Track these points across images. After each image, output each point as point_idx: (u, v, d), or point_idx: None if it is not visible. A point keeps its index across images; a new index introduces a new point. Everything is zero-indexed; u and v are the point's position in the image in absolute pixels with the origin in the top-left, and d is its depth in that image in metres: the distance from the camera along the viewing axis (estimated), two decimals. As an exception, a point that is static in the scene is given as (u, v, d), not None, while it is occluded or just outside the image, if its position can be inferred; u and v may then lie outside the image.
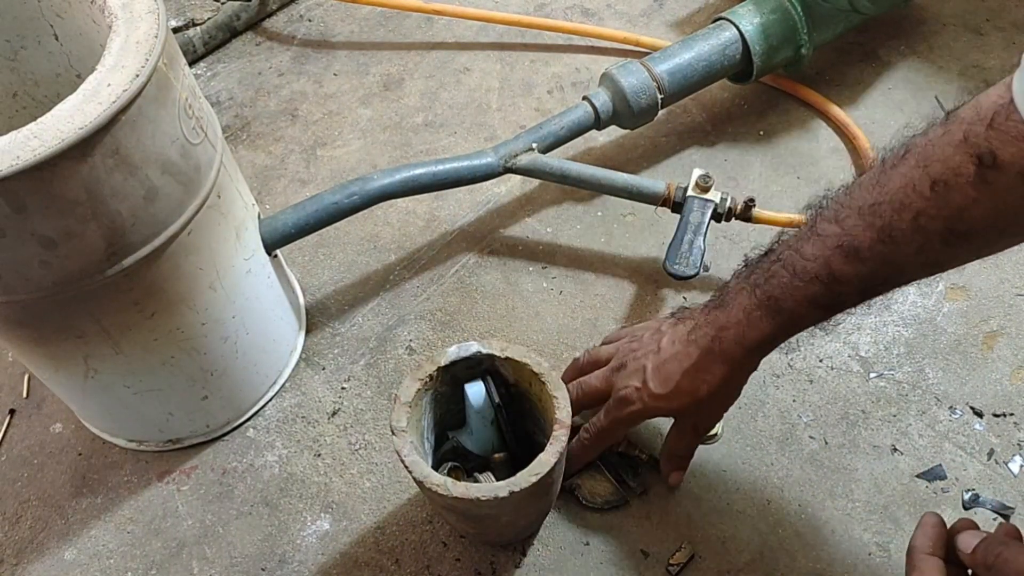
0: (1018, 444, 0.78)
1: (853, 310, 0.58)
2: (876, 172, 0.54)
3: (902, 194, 0.50)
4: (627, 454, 0.77)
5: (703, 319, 0.65)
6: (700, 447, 0.79)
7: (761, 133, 1.07)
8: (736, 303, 0.62)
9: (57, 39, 0.72)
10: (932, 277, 0.89)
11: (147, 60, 0.58)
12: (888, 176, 0.52)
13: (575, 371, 0.76)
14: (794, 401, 0.82)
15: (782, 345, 0.84)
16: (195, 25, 1.21)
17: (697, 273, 0.82)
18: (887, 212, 0.51)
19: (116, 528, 0.79)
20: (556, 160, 0.92)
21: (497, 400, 0.70)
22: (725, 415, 0.72)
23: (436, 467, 0.72)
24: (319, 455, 0.82)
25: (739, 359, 0.63)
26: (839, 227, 0.54)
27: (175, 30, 1.18)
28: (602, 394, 0.71)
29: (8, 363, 0.92)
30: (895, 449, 0.78)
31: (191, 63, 1.23)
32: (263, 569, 0.75)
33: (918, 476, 0.77)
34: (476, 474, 0.73)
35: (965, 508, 0.74)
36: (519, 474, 0.60)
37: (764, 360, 0.84)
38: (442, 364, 0.67)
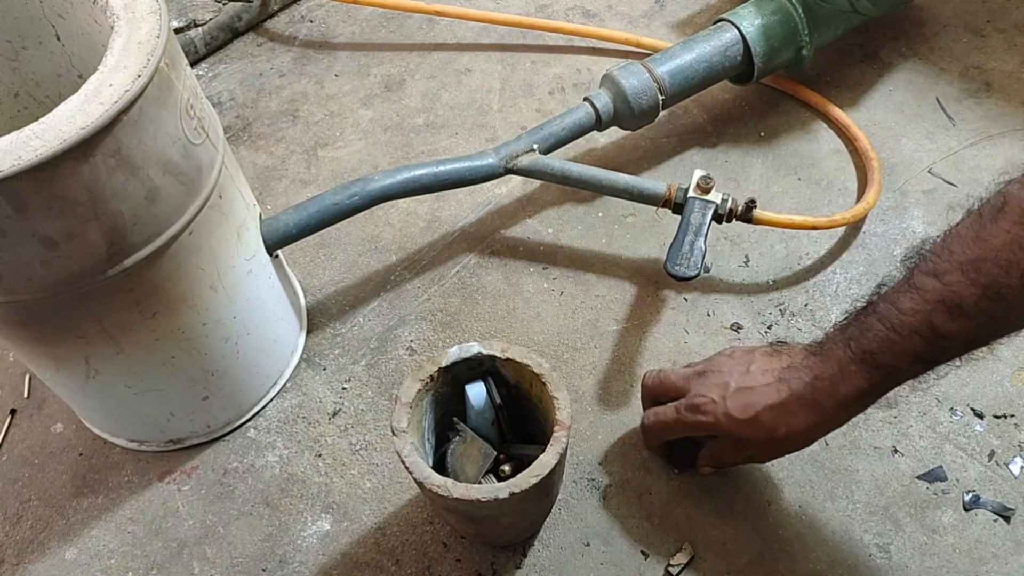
0: (1019, 445, 0.78)
1: (956, 362, 0.56)
2: (974, 223, 0.52)
3: (1008, 252, 0.49)
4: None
5: (799, 360, 0.63)
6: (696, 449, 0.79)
7: (762, 134, 1.07)
8: (832, 354, 0.60)
9: (59, 39, 0.72)
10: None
11: (149, 60, 0.58)
12: (989, 231, 0.51)
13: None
14: (795, 402, 0.82)
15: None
16: (197, 26, 1.21)
17: (698, 274, 0.82)
18: (992, 270, 0.50)
19: (117, 528, 0.79)
20: (557, 161, 0.92)
21: (498, 401, 0.70)
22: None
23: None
24: (320, 455, 0.82)
25: (829, 412, 0.61)
26: (939, 282, 0.53)
27: (177, 31, 1.19)
28: (679, 392, 0.71)
29: (9, 363, 0.92)
30: (896, 450, 0.78)
31: (193, 64, 1.23)
32: (264, 569, 0.75)
33: (919, 477, 0.77)
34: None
35: (966, 509, 0.74)
36: (520, 475, 0.60)
37: (765, 361, 0.85)
38: (443, 365, 0.67)
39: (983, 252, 0.51)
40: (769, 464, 0.78)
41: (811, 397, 0.61)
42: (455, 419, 0.71)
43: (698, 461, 0.74)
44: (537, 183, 1.03)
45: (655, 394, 0.74)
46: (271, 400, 0.86)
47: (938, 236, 0.56)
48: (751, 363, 0.66)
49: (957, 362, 0.56)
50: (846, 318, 0.62)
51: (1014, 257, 0.49)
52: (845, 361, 0.59)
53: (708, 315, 0.89)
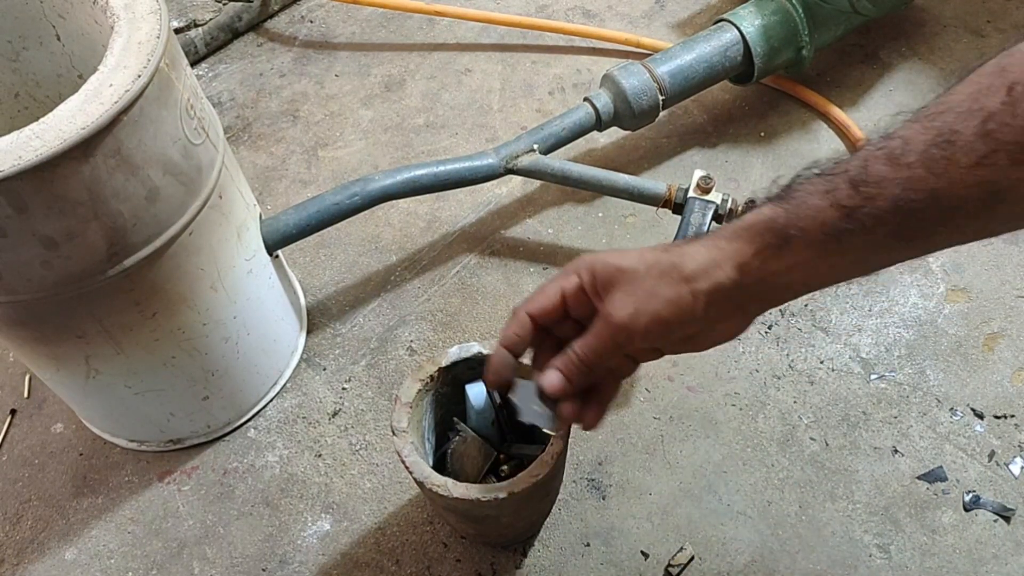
0: (1019, 446, 0.78)
1: (862, 279, 0.47)
2: (943, 91, 0.45)
3: (971, 100, 0.42)
4: None
5: None
6: (696, 450, 0.79)
7: (762, 134, 1.07)
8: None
9: (59, 40, 0.72)
10: (932, 280, 0.89)
11: (149, 61, 0.58)
12: (954, 88, 0.44)
13: None
14: (795, 402, 0.82)
15: (782, 345, 0.83)
16: (197, 26, 1.21)
17: (698, 274, 0.82)
18: (950, 117, 0.42)
19: (117, 528, 0.79)
20: (557, 161, 0.92)
21: (498, 401, 0.70)
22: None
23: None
24: (320, 455, 0.82)
25: (722, 244, 0.47)
26: (888, 137, 0.44)
27: (177, 31, 1.19)
28: None
29: (9, 363, 0.92)
30: (896, 451, 0.78)
31: (193, 64, 1.23)
32: (264, 569, 0.75)
33: (919, 478, 0.77)
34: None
35: (966, 510, 0.74)
36: (519, 475, 0.60)
37: (765, 361, 0.85)
38: (443, 365, 0.67)
39: (944, 106, 0.43)
40: (769, 465, 0.78)
41: (705, 236, 0.49)
42: (455, 419, 0.71)
43: (541, 378, 0.52)
44: (537, 183, 1.03)
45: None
46: (271, 400, 0.86)
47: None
48: None
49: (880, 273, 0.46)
50: None
51: (975, 104, 0.42)
52: (759, 203, 0.47)
53: (708, 315, 0.89)
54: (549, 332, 0.55)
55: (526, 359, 0.55)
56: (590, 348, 0.50)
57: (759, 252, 0.46)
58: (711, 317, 0.48)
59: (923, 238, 0.44)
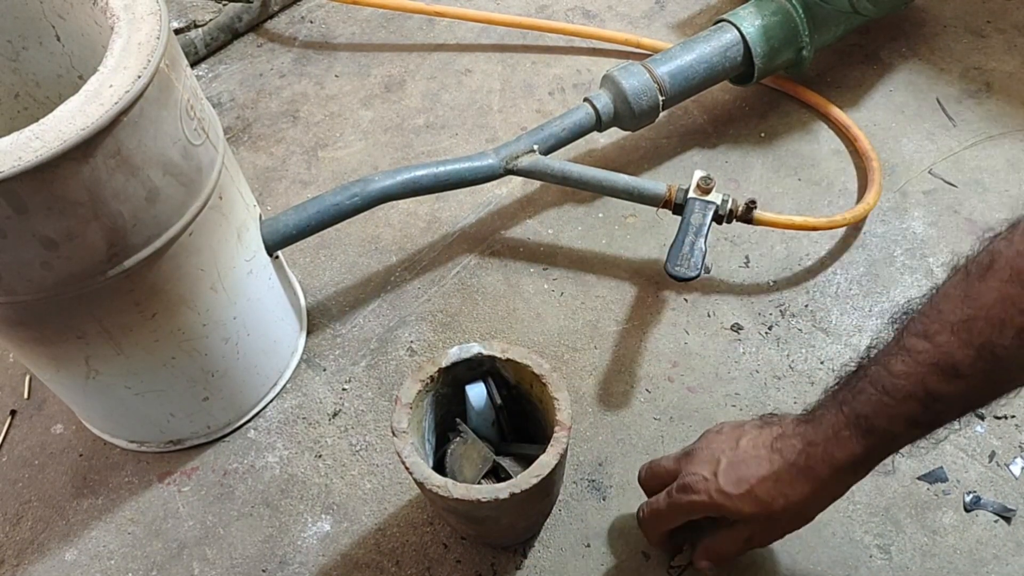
0: (1019, 446, 0.78)
1: (955, 424, 0.55)
2: (962, 282, 0.51)
3: (999, 310, 0.48)
4: None
5: (791, 429, 0.61)
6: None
7: (762, 135, 1.07)
8: (824, 420, 0.58)
9: (59, 40, 0.72)
10: (933, 280, 0.89)
11: (149, 61, 0.58)
12: (978, 289, 0.49)
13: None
14: (795, 403, 0.82)
15: (782, 346, 0.84)
16: (197, 26, 1.21)
17: (698, 275, 0.82)
18: (985, 329, 0.49)
19: (117, 529, 0.79)
20: (557, 162, 0.92)
21: (498, 401, 0.70)
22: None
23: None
24: (320, 456, 0.82)
25: (826, 479, 0.58)
26: (930, 343, 0.51)
27: (177, 31, 1.19)
28: (670, 476, 0.68)
29: (9, 364, 0.92)
30: (896, 451, 0.78)
31: (193, 64, 1.23)
32: (264, 570, 0.75)
33: (919, 478, 0.77)
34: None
35: (966, 510, 0.74)
36: (520, 475, 0.60)
37: (766, 361, 0.85)
38: (443, 365, 0.67)
39: (974, 311, 0.49)
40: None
41: (805, 464, 0.59)
42: (458, 420, 0.71)
43: (694, 557, 0.68)
44: (537, 184, 1.03)
45: (650, 486, 0.71)
46: (271, 401, 0.86)
47: (925, 296, 0.55)
48: (741, 437, 0.64)
49: (956, 425, 0.54)
50: (837, 382, 0.60)
51: (1006, 315, 0.47)
52: (838, 426, 0.57)
53: (708, 316, 0.89)
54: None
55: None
56: (728, 551, 0.66)
57: (866, 474, 0.60)
58: None
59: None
